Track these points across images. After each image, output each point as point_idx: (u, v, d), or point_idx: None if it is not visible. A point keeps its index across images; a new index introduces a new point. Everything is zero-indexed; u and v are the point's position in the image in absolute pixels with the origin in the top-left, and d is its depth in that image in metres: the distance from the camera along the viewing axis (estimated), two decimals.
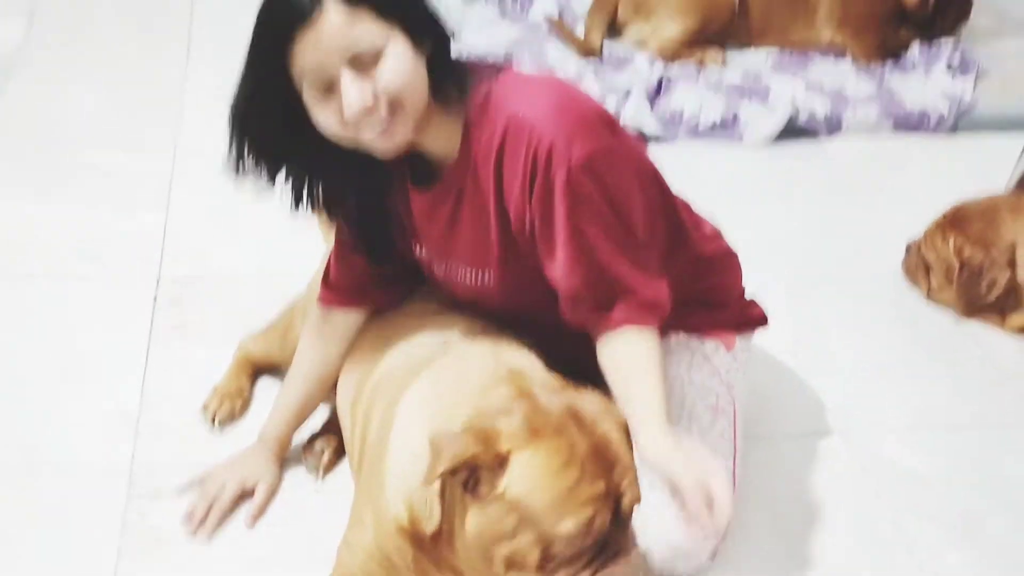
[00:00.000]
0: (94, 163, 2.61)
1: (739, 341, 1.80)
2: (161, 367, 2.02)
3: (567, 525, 1.22)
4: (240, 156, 1.44)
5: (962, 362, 2.27)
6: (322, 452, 1.83)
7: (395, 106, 1.36)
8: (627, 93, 2.94)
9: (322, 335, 1.75)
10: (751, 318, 1.83)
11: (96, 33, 3.19)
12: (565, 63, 3.10)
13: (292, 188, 1.50)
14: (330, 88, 1.35)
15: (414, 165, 1.52)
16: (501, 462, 1.23)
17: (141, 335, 2.09)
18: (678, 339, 1.73)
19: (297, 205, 1.52)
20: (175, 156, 2.66)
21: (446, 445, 1.23)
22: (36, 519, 1.70)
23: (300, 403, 1.80)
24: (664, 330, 1.58)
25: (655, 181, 1.58)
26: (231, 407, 1.91)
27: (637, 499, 1.27)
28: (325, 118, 1.38)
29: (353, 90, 1.33)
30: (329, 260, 1.74)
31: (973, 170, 2.77)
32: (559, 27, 3.26)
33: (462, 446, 1.23)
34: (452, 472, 1.24)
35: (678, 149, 2.91)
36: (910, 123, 3.02)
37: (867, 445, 2.01)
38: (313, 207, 1.53)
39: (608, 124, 1.47)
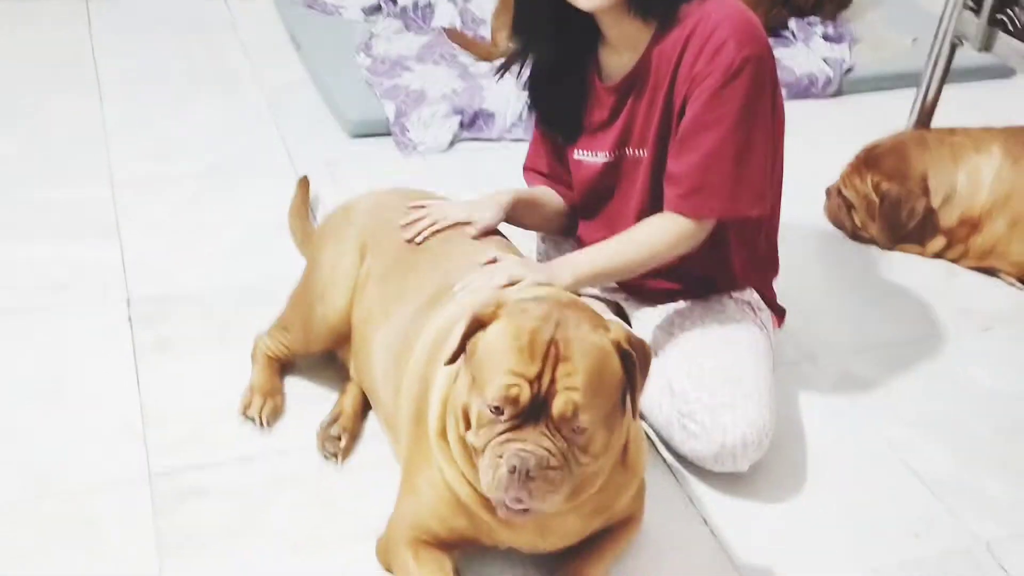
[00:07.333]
0: (30, 199, 2.55)
1: (775, 332, 2.08)
2: (153, 382, 2.02)
3: (492, 389, 1.35)
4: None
5: (893, 288, 2.50)
6: (339, 438, 1.87)
7: None
8: None
9: (539, 197, 2.05)
10: (781, 312, 2.12)
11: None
12: (479, 65, 3.21)
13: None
14: None
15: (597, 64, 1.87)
16: (491, 321, 1.42)
17: (126, 355, 2.08)
18: (745, 298, 2.02)
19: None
20: (112, 183, 2.63)
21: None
22: (69, 540, 1.69)
23: (537, 193, 2.05)
24: (742, 284, 1.98)
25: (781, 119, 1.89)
26: (274, 404, 1.94)
27: (571, 407, 1.34)
28: None
29: None
30: (528, 150, 2.10)
31: (865, 124, 3.02)
32: (457, 36, 3.35)
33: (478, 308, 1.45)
34: (469, 332, 1.42)
35: None
36: (801, 88, 3.29)
37: (831, 367, 2.20)
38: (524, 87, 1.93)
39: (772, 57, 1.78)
